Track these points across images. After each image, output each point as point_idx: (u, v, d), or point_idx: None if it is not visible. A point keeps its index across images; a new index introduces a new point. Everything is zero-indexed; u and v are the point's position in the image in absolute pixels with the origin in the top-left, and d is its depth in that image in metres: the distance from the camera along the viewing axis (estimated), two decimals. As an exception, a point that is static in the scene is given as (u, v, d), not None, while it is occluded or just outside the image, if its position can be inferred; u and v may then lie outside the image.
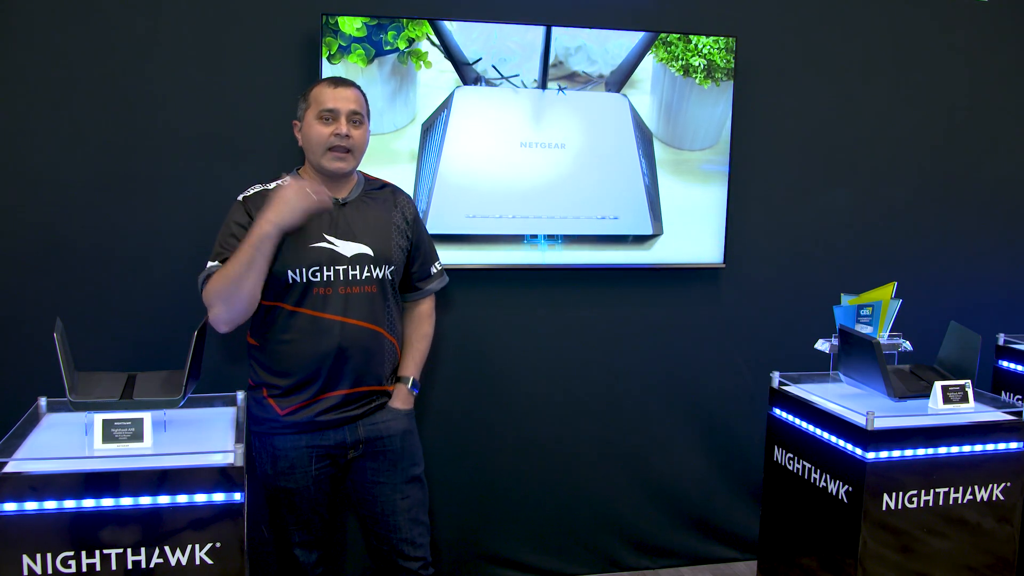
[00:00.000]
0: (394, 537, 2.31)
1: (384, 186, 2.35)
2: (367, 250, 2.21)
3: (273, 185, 2.24)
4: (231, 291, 2.04)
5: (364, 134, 2.22)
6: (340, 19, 2.64)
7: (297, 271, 2.14)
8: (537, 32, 2.82)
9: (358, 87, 2.24)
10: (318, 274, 2.15)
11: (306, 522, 2.28)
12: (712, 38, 2.95)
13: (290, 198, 2.03)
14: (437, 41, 2.74)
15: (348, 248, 2.19)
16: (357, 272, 2.19)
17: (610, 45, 2.88)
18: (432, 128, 2.78)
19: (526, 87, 2.83)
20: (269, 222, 2.02)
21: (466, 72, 2.78)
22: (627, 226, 2.97)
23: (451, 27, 2.75)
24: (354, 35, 2.65)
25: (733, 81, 3.01)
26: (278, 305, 2.18)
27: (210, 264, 2.13)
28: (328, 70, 2.65)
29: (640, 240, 3.00)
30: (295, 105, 2.25)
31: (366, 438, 2.26)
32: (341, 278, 2.17)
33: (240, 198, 2.19)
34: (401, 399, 2.32)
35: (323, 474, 2.25)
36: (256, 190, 2.21)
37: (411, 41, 2.72)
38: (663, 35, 2.92)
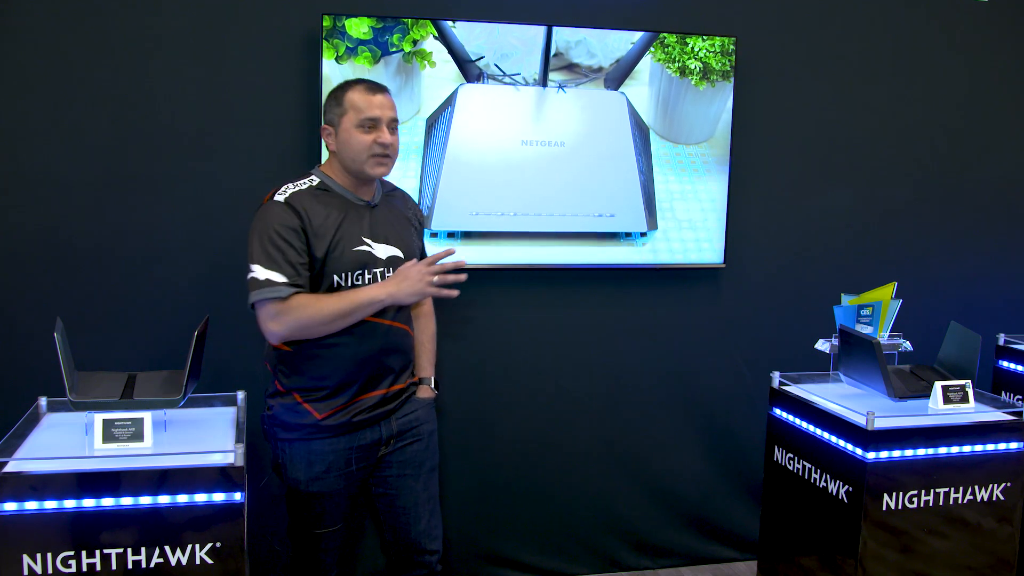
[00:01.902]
0: (414, 529, 2.33)
1: (395, 189, 2.40)
2: (398, 252, 2.24)
3: (306, 184, 2.19)
4: (317, 328, 2.09)
5: (397, 140, 2.24)
6: (347, 22, 2.65)
7: (343, 275, 2.15)
8: (539, 27, 2.83)
9: (389, 91, 2.23)
10: (360, 278, 2.17)
11: (334, 524, 2.28)
12: (708, 42, 2.96)
13: (413, 280, 2.09)
14: (438, 35, 2.75)
15: (382, 251, 2.21)
16: (391, 274, 2.20)
17: (610, 40, 2.89)
18: (436, 124, 2.79)
19: (527, 84, 2.84)
20: (388, 293, 2.09)
21: (469, 69, 2.78)
22: (623, 223, 2.98)
23: (454, 24, 2.76)
24: (361, 38, 2.67)
25: (731, 82, 3.01)
26: None
27: (268, 274, 2.04)
28: (335, 71, 2.65)
29: (636, 237, 3.01)
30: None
31: (398, 431, 2.29)
32: (379, 280, 2.18)
33: (280, 199, 2.11)
34: (425, 393, 2.39)
35: (359, 475, 2.26)
36: (292, 190, 2.15)
37: (415, 42, 2.73)
38: (661, 36, 2.92)
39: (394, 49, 2.71)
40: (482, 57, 2.79)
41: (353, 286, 2.15)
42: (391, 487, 2.32)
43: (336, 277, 2.14)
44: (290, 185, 2.18)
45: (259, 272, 2.05)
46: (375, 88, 2.19)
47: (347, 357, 2.17)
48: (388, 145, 2.17)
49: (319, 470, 2.21)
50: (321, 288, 2.14)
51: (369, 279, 2.17)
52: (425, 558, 2.35)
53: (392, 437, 2.28)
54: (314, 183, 2.19)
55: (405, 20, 2.71)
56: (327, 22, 2.65)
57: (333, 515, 2.26)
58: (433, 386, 2.43)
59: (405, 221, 2.32)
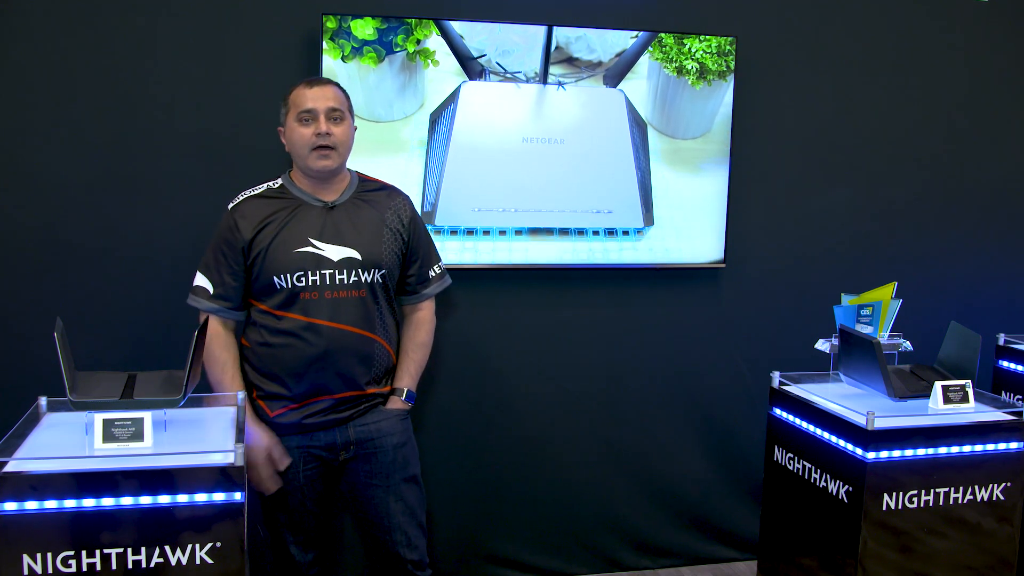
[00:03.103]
0: (390, 539, 2.30)
1: (382, 187, 2.33)
2: (354, 254, 2.19)
3: (262, 188, 2.23)
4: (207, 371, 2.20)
5: (346, 130, 2.21)
6: (353, 23, 2.67)
7: (282, 276, 2.14)
8: (540, 26, 2.85)
9: (336, 84, 2.23)
10: (303, 279, 2.15)
11: (299, 522, 2.27)
12: (705, 43, 2.96)
13: (257, 465, 2.17)
14: (441, 33, 2.77)
15: (335, 252, 2.18)
16: (344, 276, 2.18)
17: (610, 36, 2.91)
18: (439, 120, 2.81)
19: (528, 81, 2.85)
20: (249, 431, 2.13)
21: (471, 66, 2.79)
22: (620, 220, 2.99)
23: (456, 22, 2.78)
24: (366, 39, 2.68)
25: (730, 81, 3.01)
26: (266, 309, 2.18)
27: (202, 280, 2.18)
28: (342, 69, 2.68)
29: (633, 232, 3.01)
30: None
31: (357, 440, 2.25)
32: (327, 282, 2.16)
33: (229, 207, 2.21)
34: (394, 404, 2.32)
35: (314, 475, 2.25)
36: (244, 197, 2.22)
37: (418, 42, 2.74)
38: (659, 36, 2.93)
39: (398, 49, 2.73)
40: (484, 55, 2.80)
41: (295, 287, 2.15)
42: (361, 496, 2.30)
43: (276, 278, 2.15)
44: (248, 191, 2.23)
45: (197, 277, 2.21)
46: (314, 82, 2.21)
47: (291, 356, 2.17)
48: (327, 135, 2.15)
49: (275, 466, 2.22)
50: (265, 289, 2.16)
51: (315, 280, 2.15)
52: (406, 567, 2.32)
53: (350, 444, 2.25)
54: (273, 186, 2.23)
55: (409, 20, 2.72)
56: (331, 23, 2.66)
57: (296, 511, 2.26)
58: (406, 397, 2.32)
59: (377, 222, 2.25)
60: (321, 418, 2.21)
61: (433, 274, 2.39)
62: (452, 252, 2.86)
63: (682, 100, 3.00)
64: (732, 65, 3.01)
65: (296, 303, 2.16)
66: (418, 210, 2.76)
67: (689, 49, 2.96)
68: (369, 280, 2.21)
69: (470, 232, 2.88)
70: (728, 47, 2.99)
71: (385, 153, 2.76)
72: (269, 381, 2.20)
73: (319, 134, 2.15)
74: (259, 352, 2.21)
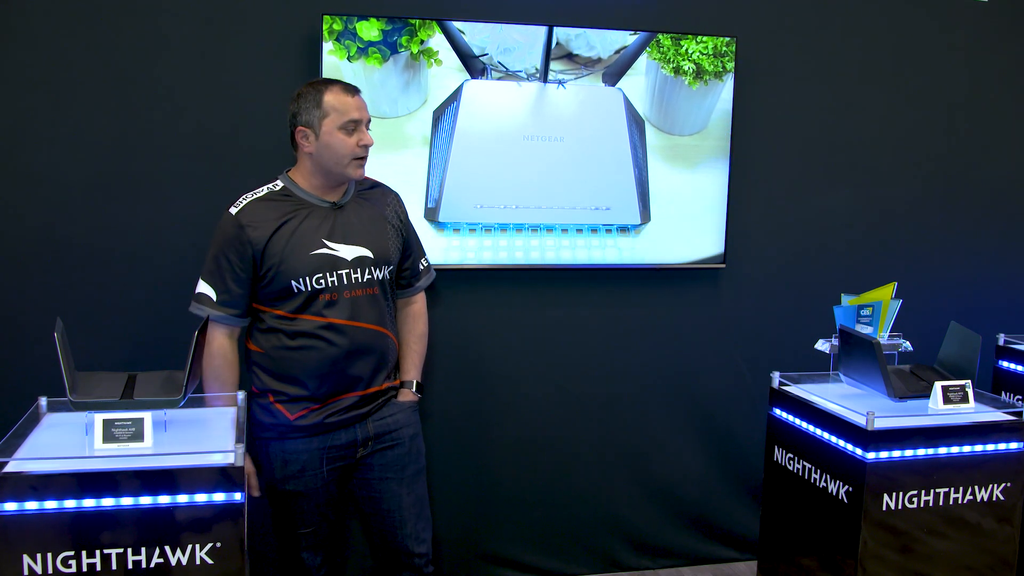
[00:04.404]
0: (400, 533, 2.31)
1: (375, 186, 2.36)
2: (367, 252, 2.21)
3: (264, 191, 2.22)
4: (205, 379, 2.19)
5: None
6: (358, 24, 2.69)
7: (301, 280, 2.14)
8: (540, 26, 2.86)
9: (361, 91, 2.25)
10: (322, 280, 2.15)
11: (314, 524, 2.27)
12: (701, 44, 2.96)
13: None
14: (443, 32, 2.78)
15: (348, 252, 2.19)
16: (359, 275, 2.19)
17: (609, 33, 2.93)
18: (442, 118, 2.82)
19: (528, 79, 2.86)
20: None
21: (473, 64, 2.80)
22: (618, 216, 3.01)
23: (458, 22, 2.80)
24: (371, 40, 2.69)
25: (726, 80, 3.02)
26: (283, 313, 2.17)
27: (205, 288, 2.15)
28: (347, 69, 2.69)
29: (631, 229, 3.02)
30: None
31: (375, 434, 2.27)
32: (345, 282, 2.17)
33: (233, 212, 2.16)
34: (406, 396, 2.35)
35: (331, 477, 2.25)
36: (247, 200, 2.19)
37: (422, 42, 2.75)
38: (657, 36, 2.93)
39: (402, 49, 2.74)
40: (486, 53, 2.81)
41: (314, 290, 2.15)
42: (374, 490, 2.31)
43: (294, 282, 2.14)
44: (249, 194, 2.20)
45: (200, 285, 2.17)
46: (351, 89, 2.19)
47: (314, 358, 2.16)
48: (368, 147, 2.19)
49: (294, 469, 2.21)
50: (282, 293, 2.15)
51: (333, 281, 2.16)
52: (414, 561, 2.34)
53: (369, 439, 2.26)
54: (275, 188, 2.21)
55: (413, 21, 2.73)
56: (337, 24, 2.66)
57: (312, 514, 2.26)
58: (416, 389, 2.37)
59: (380, 220, 2.28)
60: (342, 415, 2.21)
61: (422, 267, 2.44)
62: (454, 250, 2.86)
63: (679, 98, 3.01)
64: (729, 66, 3.01)
65: (314, 305, 2.16)
66: (422, 207, 2.79)
67: (686, 51, 2.97)
68: (380, 277, 2.24)
69: (472, 229, 2.89)
70: (724, 48, 3.00)
71: (390, 149, 2.77)
72: (288, 384, 2.19)
73: (364, 145, 2.17)
74: (275, 356, 2.19)
